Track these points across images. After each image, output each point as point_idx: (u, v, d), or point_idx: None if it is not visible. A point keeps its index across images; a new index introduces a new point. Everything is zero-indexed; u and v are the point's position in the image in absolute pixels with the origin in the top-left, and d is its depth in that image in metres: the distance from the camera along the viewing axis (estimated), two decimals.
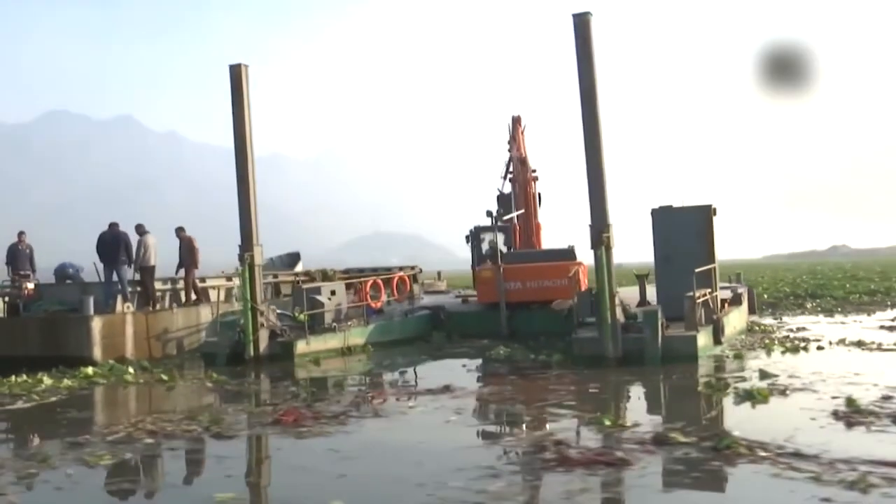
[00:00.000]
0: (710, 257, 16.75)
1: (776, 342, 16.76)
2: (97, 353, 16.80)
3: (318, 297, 18.66)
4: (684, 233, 16.83)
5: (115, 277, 18.51)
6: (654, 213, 17.33)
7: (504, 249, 23.87)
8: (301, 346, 17.41)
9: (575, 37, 14.81)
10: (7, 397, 13.27)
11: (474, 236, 23.99)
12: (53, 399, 13.16)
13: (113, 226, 18.99)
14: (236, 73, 17.30)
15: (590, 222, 15.00)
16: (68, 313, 17.97)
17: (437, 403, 11.37)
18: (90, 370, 15.68)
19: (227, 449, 8.88)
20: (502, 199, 27.96)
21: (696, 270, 15.27)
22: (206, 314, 19.88)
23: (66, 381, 14.59)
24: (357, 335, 19.02)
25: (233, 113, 17.36)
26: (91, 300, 17.22)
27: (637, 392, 12.53)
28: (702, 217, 16.90)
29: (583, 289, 18.36)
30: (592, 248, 14.98)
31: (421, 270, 30.10)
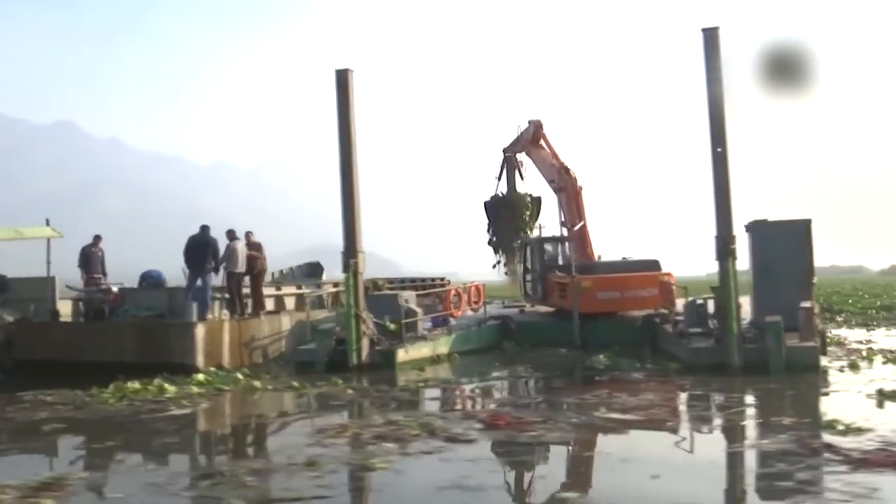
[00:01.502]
0: (811, 270, 17.14)
1: (873, 353, 17.24)
2: (200, 360, 16.47)
3: (413, 307, 18.62)
4: (784, 246, 17.18)
5: (199, 283, 18.11)
6: (751, 226, 17.67)
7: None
8: (401, 355, 17.36)
9: (704, 50, 15.15)
10: (149, 403, 13.03)
11: (538, 245, 23.91)
12: (204, 405, 12.96)
13: (204, 229, 18.54)
14: (343, 78, 17.22)
15: (715, 233, 15.29)
16: (158, 318, 17.61)
17: (620, 408, 11.46)
18: (201, 377, 15.39)
19: (479, 452, 8.86)
20: (494, 204, 27.48)
21: (814, 281, 15.67)
22: (286, 322, 19.67)
23: (194, 388, 14.30)
24: (443, 344, 19.04)
25: (338, 119, 17.26)
26: (194, 306, 16.88)
27: (804, 399, 12.78)
28: (802, 230, 17.29)
29: (676, 299, 18.71)
30: (718, 258, 15.26)
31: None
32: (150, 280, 19.40)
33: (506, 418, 10.47)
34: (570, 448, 9.38)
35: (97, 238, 19.84)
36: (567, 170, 26.64)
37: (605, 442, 9.42)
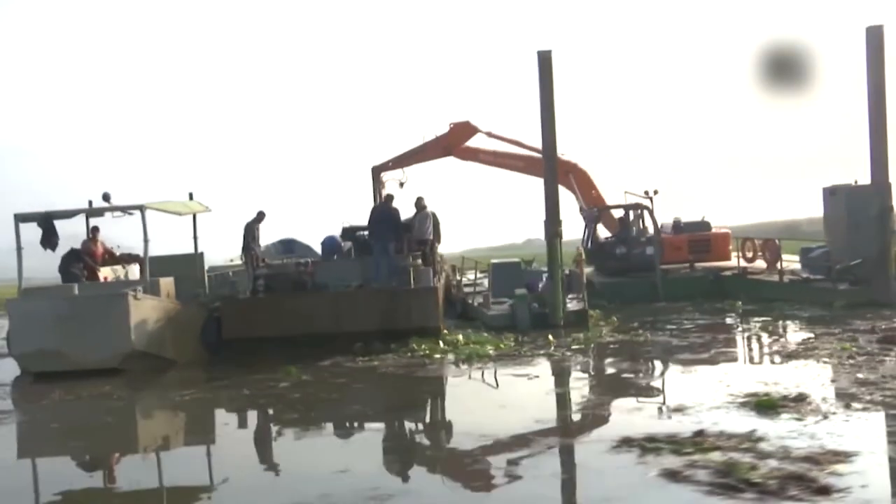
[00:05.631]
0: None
1: None
2: (440, 323, 17.36)
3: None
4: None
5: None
6: (831, 190, 21.30)
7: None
8: (592, 312, 19.33)
9: (867, 48, 18.58)
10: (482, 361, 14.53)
11: (647, 212, 25.45)
12: (577, 358, 14.51)
13: (388, 198, 18.96)
14: (545, 59, 18.62)
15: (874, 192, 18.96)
16: (360, 288, 17.98)
17: None
18: (461, 338, 16.50)
19: None
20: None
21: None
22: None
23: (488, 349, 15.52)
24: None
25: (541, 97, 18.66)
26: (431, 271, 17.66)
27: None
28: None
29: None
30: (878, 216, 18.81)
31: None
32: (330, 248, 19.68)
33: None
34: None
35: (261, 214, 19.85)
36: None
37: None
